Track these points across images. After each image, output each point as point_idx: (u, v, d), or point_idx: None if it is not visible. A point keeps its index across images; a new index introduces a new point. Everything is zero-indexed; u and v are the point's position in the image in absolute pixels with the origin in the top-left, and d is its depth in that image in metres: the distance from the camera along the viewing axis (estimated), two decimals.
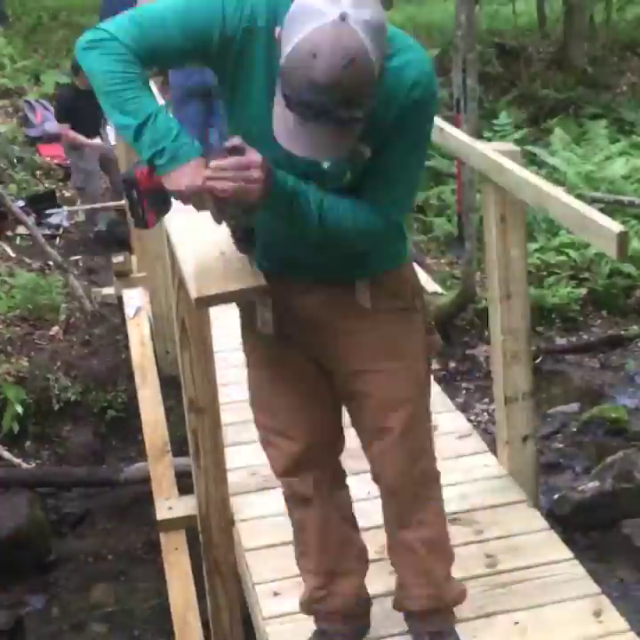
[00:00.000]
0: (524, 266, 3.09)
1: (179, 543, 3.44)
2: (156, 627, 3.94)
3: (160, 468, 3.79)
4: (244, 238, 2.10)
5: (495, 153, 2.97)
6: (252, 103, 2.00)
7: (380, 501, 3.14)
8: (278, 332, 2.25)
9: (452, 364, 5.68)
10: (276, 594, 2.78)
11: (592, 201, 6.40)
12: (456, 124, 5.20)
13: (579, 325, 6.14)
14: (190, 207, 1.94)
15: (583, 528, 4.26)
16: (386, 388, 2.28)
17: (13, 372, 5.37)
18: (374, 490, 3.21)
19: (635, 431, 5.01)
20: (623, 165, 7.78)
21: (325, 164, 1.93)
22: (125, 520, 4.79)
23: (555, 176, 7.35)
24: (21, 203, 7.35)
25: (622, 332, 6.06)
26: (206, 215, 1.94)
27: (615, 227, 2.38)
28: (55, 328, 5.83)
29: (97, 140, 7.36)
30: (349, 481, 3.26)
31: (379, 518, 3.06)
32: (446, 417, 3.67)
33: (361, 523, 3.04)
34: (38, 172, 8.23)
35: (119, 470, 4.94)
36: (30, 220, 7.07)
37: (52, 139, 8.44)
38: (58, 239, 7.23)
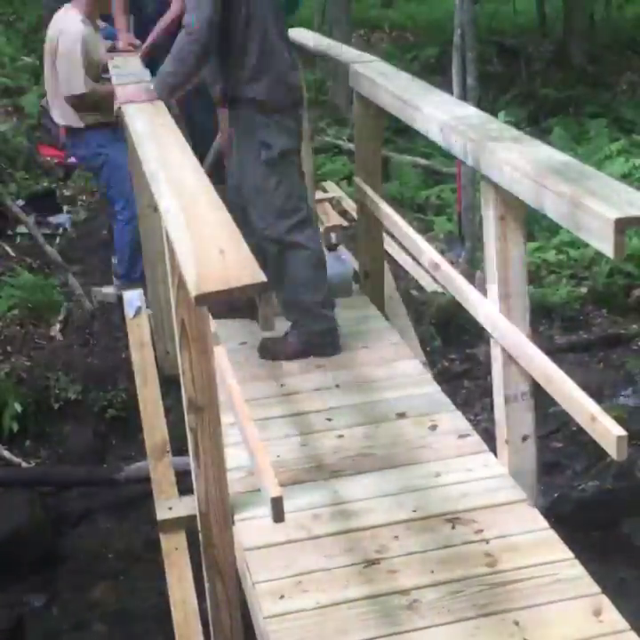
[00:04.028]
0: (524, 265, 3.09)
1: (179, 543, 3.44)
2: (156, 627, 3.93)
3: (160, 468, 3.79)
4: None
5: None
6: None
7: (380, 501, 3.15)
8: None
9: (451, 364, 5.69)
10: (275, 593, 2.78)
11: None
12: None
13: (579, 324, 6.14)
14: (189, 208, 1.91)
15: (583, 527, 4.26)
16: None
17: (13, 371, 5.37)
18: (374, 490, 3.23)
19: (635, 430, 5.01)
20: (623, 164, 7.79)
21: None
22: (125, 520, 4.79)
23: None
24: (21, 202, 7.35)
25: (622, 331, 6.06)
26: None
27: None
28: (55, 328, 5.83)
29: None
30: (349, 481, 3.28)
31: (378, 518, 3.08)
32: (446, 416, 3.68)
33: (361, 523, 3.05)
34: (38, 172, 8.23)
35: (119, 470, 4.94)
36: (30, 219, 7.08)
37: None
38: (58, 239, 7.23)
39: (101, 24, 5.77)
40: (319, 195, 6.47)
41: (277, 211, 4.06)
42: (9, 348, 5.60)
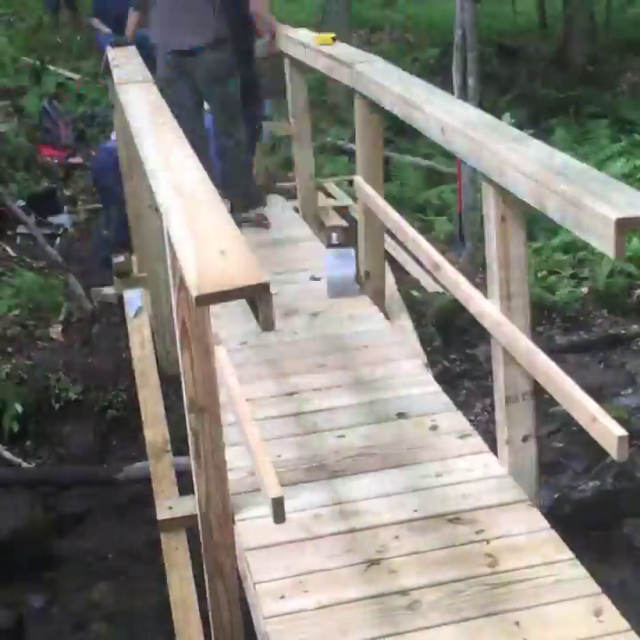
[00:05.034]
0: (525, 265, 3.09)
1: (179, 543, 3.44)
2: (156, 627, 3.93)
3: (160, 468, 3.80)
4: None
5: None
6: None
7: (380, 501, 3.15)
8: None
9: (452, 364, 5.68)
10: (276, 593, 2.78)
11: None
12: None
13: (579, 324, 6.14)
14: (190, 209, 1.90)
15: (583, 528, 4.25)
16: None
17: (13, 371, 5.37)
18: (375, 490, 3.23)
19: (635, 430, 5.01)
20: (624, 165, 7.79)
21: None
22: (125, 520, 4.78)
23: None
24: (22, 203, 7.35)
25: (623, 331, 6.06)
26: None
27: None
28: (55, 328, 5.83)
29: None
30: (350, 480, 3.28)
31: (379, 518, 3.08)
32: (446, 417, 3.67)
33: (362, 523, 3.05)
34: (39, 172, 8.23)
35: (119, 470, 4.94)
36: (30, 219, 7.07)
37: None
38: (58, 239, 7.23)
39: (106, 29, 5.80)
40: (321, 201, 6.48)
41: None
42: (9, 349, 5.60)
